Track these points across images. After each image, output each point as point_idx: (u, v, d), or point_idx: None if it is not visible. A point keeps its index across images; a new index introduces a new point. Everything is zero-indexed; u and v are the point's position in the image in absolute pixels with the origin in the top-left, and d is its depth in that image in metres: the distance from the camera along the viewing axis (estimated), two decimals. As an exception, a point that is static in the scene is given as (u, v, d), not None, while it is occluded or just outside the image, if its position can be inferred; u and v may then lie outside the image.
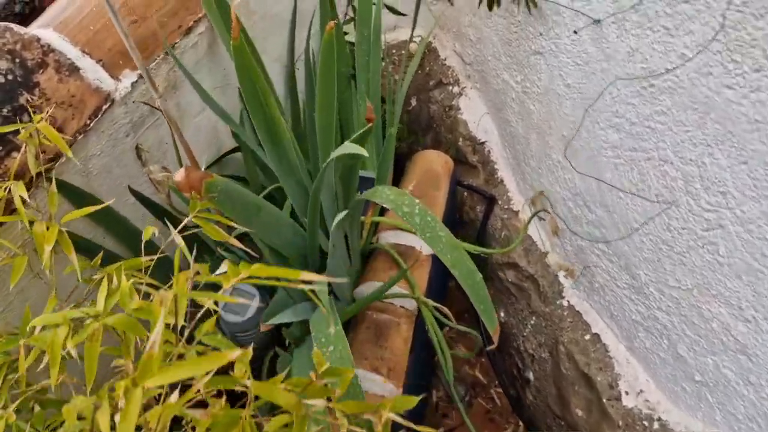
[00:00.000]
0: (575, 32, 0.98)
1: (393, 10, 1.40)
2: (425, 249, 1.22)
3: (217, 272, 0.46)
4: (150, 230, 0.63)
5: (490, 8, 1.17)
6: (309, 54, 1.36)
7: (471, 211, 1.55)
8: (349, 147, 0.69)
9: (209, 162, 1.16)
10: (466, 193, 1.57)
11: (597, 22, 0.94)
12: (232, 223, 0.66)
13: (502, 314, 1.52)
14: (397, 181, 1.46)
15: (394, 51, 1.66)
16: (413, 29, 1.28)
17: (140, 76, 0.89)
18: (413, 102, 1.76)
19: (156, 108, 0.85)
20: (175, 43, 0.94)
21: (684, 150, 0.85)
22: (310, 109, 1.33)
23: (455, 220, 1.63)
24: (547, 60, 1.14)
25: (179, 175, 0.58)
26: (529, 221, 1.21)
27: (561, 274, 1.28)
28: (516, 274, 1.40)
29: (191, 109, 1.05)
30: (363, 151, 0.65)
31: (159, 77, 0.93)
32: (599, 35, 0.95)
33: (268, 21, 1.21)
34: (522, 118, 1.32)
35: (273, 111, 0.71)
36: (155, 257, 0.65)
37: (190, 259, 0.52)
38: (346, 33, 1.52)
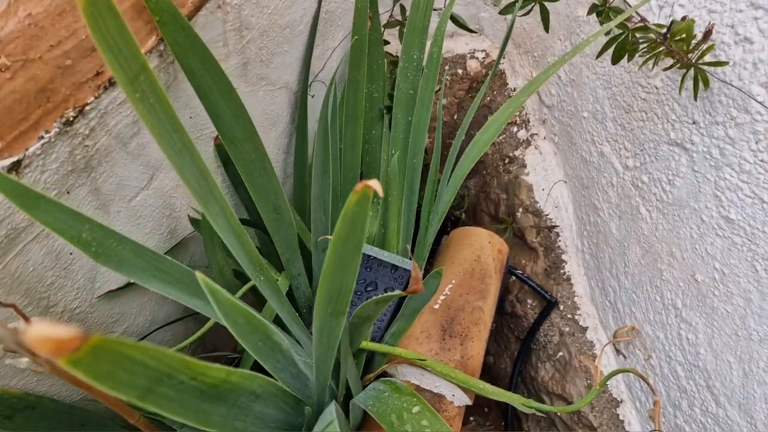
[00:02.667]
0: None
1: (461, 25, 0.96)
2: (458, 399, 0.85)
3: None
4: None
5: (616, 62, 0.74)
6: (332, 83, 0.93)
7: (518, 303, 1.17)
8: None
9: (165, 250, 0.78)
10: (513, 278, 1.18)
11: (838, 160, 0.53)
12: None
13: (538, 442, 1.17)
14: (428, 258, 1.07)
15: (447, 67, 1.22)
16: (498, 59, 0.85)
17: (38, 151, 0.49)
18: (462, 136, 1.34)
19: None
20: (87, 104, 0.53)
21: None
22: (324, 158, 0.92)
23: (497, 307, 1.25)
24: (694, 162, 0.73)
25: None
26: (609, 377, 0.83)
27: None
28: (571, 415, 1.04)
29: (126, 189, 0.66)
30: None
31: (56, 161, 0.53)
32: (833, 181, 0.54)
33: (271, 36, 0.79)
34: (620, 216, 0.92)
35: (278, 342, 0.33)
36: None
37: None
38: (386, 42, 1.08)
